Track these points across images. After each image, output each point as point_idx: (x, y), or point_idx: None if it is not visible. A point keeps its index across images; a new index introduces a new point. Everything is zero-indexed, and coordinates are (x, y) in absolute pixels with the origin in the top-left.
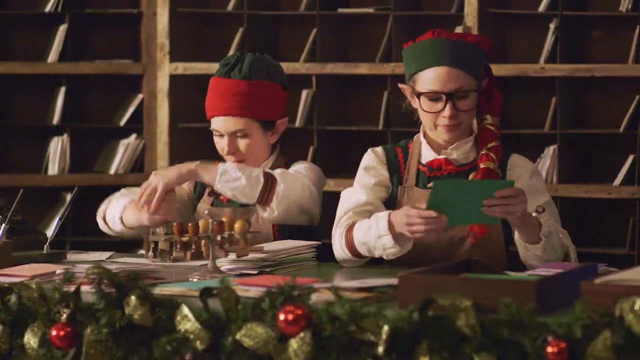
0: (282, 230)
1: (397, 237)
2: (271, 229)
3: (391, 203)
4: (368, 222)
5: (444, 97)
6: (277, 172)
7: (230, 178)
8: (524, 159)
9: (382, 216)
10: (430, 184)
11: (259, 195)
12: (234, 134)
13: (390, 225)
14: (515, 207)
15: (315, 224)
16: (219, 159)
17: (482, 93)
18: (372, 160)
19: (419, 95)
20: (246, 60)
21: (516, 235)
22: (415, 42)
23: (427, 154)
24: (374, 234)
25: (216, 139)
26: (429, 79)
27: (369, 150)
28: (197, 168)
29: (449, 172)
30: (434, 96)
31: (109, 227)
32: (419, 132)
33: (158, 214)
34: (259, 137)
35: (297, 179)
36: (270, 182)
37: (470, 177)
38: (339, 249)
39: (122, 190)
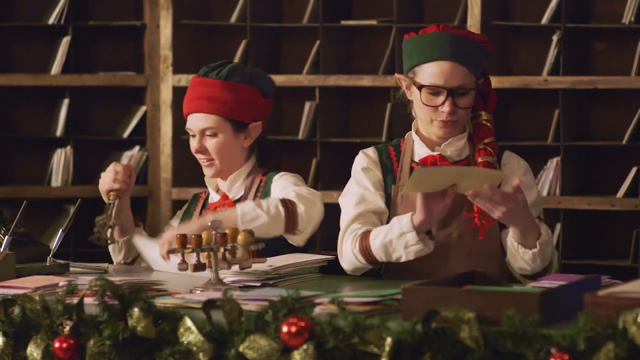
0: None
1: (420, 235)
2: None
3: (387, 202)
4: (387, 225)
5: (445, 92)
6: (290, 195)
7: (251, 218)
8: (517, 156)
9: (404, 216)
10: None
11: (285, 224)
12: (203, 132)
13: (413, 223)
14: (498, 207)
15: None
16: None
17: (478, 90)
18: (365, 162)
19: (420, 87)
20: (228, 65)
21: (509, 235)
22: (417, 34)
23: (420, 151)
24: (397, 232)
25: (190, 140)
26: (432, 72)
27: (360, 153)
28: (217, 217)
29: None
30: (435, 90)
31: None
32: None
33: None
34: (230, 139)
35: (309, 197)
36: (290, 207)
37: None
38: (351, 257)
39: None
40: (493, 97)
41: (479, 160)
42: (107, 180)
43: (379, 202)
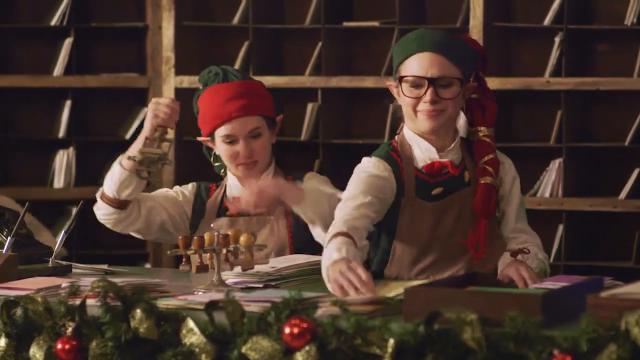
0: (297, 238)
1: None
2: (287, 238)
3: (393, 212)
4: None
5: (426, 82)
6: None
7: (315, 199)
8: (508, 160)
9: (328, 256)
10: (436, 191)
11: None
12: (248, 135)
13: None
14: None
15: None
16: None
17: (475, 104)
18: (378, 170)
19: (400, 79)
20: (228, 67)
21: (503, 271)
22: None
23: (421, 156)
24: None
25: (226, 148)
26: (413, 65)
27: (376, 161)
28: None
29: (449, 176)
30: (416, 81)
31: (107, 199)
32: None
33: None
34: (268, 137)
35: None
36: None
37: (467, 177)
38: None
39: None
40: (492, 110)
41: (480, 181)
42: (165, 116)
43: (379, 206)
